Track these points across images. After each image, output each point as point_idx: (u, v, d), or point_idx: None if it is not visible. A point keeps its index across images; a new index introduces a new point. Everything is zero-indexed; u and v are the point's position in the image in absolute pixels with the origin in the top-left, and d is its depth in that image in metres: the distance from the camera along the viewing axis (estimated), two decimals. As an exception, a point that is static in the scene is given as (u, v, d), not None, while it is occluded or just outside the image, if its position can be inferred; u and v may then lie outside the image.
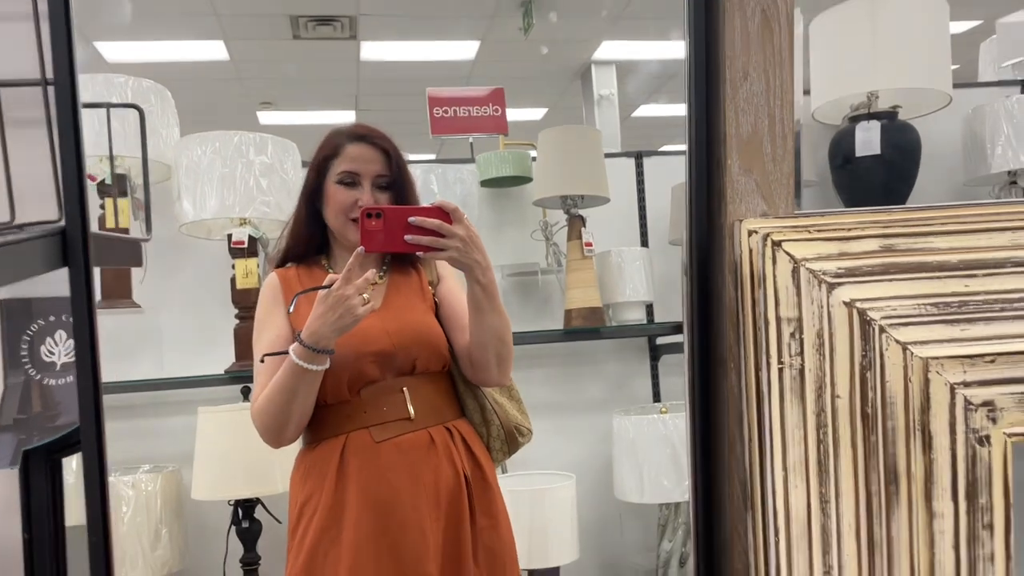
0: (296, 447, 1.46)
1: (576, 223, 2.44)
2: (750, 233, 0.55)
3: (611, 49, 6.15)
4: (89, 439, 0.57)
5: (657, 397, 2.67)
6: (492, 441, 1.50)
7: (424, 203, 1.65)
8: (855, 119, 2.28)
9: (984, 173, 2.39)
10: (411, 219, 1.25)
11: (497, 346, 1.39)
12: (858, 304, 0.54)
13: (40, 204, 0.78)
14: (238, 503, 2.08)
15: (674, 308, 2.62)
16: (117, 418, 2.30)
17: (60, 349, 0.73)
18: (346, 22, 5.36)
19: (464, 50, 6.00)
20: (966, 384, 0.53)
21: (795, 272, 0.54)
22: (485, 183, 2.55)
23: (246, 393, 2.21)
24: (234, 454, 1.97)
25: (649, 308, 2.62)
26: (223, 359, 2.23)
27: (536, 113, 7.50)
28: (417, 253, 1.30)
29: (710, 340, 0.60)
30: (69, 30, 0.57)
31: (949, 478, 0.53)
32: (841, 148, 2.31)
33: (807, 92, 2.34)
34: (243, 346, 2.19)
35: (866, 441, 0.54)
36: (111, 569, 0.59)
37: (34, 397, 0.94)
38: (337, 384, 1.36)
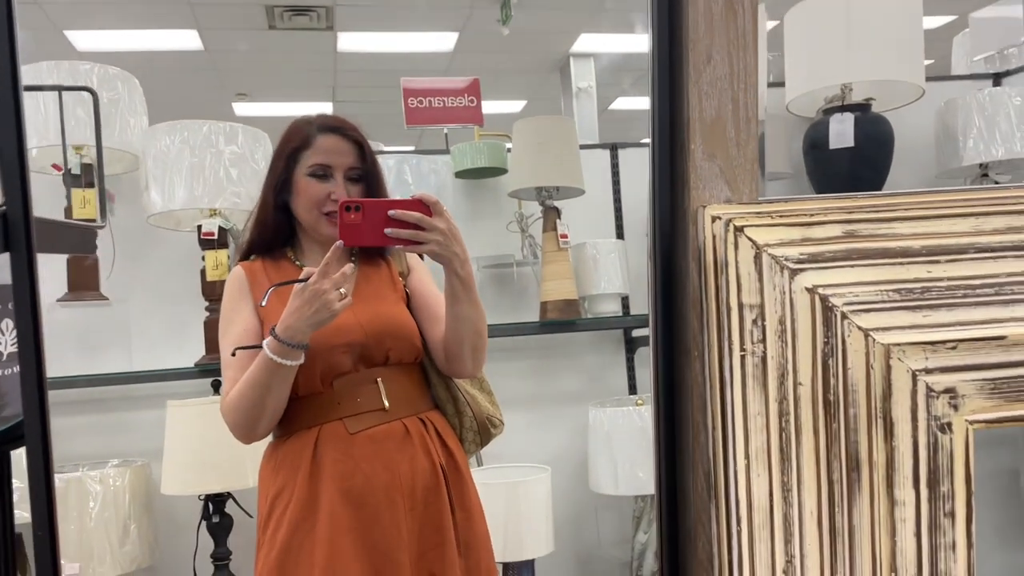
0: (266, 439, 1.44)
1: (551, 215, 2.43)
2: (713, 219, 0.55)
3: (589, 42, 6.16)
4: (33, 431, 0.55)
5: (633, 389, 2.67)
6: (465, 432, 1.49)
7: (397, 195, 1.62)
8: (829, 111, 2.29)
9: (956, 166, 2.41)
10: (391, 212, 1.22)
11: (473, 338, 1.38)
12: (820, 290, 0.53)
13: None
14: (208, 498, 2.06)
15: (650, 300, 2.61)
16: (85, 412, 2.27)
17: (6, 339, 0.71)
18: (322, 12, 5.30)
19: (442, 41, 5.96)
20: (928, 371, 0.53)
21: (757, 258, 0.53)
22: (460, 174, 2.53)
23: (216, 386, 2.19)
24: (204, 448, 1.94)
25: (625, 300, 2.62)
26: (193, 352, 2.21)
27: (515, 105, 7.48)
28: (396, 247, 1.28)
29: (675, 328, 0.59)
30: (10, 8, 0.55)
31: (911, 466, 0.53)
32: (815, 140, 2.32)
33: (781, 84, 2.35)
34: (213, 339, 2.15)
35: (828, 429, 0.53)
36: (58, 566, 0.57)
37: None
38: (309, 376, 1.34)
